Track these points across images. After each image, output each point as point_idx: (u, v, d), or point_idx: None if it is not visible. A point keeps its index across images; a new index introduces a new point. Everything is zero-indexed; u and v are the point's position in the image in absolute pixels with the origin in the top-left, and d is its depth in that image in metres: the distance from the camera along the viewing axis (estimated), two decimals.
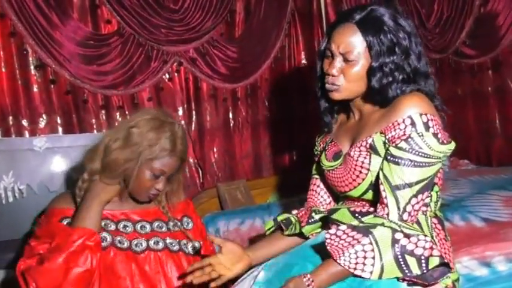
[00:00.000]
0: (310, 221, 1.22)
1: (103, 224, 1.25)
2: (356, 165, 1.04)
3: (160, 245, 1.26)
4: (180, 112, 2.61)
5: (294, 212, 1.28)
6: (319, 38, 3.08)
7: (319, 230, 1.23)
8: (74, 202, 1.28)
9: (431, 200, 1.06)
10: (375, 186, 1.03)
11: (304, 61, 3.04)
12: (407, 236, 0.95)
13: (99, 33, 2.33)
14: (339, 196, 1.19)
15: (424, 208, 1.02)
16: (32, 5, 2.10)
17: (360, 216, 1.05)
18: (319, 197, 1.27)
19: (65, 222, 1.25)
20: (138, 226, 1.28)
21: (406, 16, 1.07)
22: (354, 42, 1.01)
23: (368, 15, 1.02)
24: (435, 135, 0.97)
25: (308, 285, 0.95)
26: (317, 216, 1.22)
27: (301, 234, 1.22)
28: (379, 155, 1.01)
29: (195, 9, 2.55)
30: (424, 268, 0.92)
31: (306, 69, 3.02)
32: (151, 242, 1.26)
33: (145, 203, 1.32)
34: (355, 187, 1.07)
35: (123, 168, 1.20)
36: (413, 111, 0.97)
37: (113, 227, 1.26)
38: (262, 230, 2.16)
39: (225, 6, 2.66)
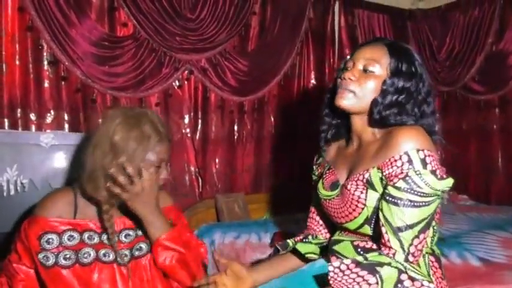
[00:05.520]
0: (304, 240, 1.23)
1: (86, 236, 1.17)
2: (352, 199, 1.04)
3: (144, 250, 1.20)
4: (186, 120, 2.62)
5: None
6: (330, 59, 3.11)
7: (316, 256, 1.22)
8: (75, 206, 1.18)
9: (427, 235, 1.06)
10: (371, 221, 1.03)
11: (313, 81, 3.06)
12: (411, 279, 0.94)
13: (115, 35, 2.36)
14: (335, 225, 1.19)
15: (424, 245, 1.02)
16: (52, 1, 2.13)
17: (363, 252, 1.04)
18: (319, 225, 1.26)
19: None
20: (123, 235, 1.21)
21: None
22: (378, 56, 1.04)
23: (397, 43, 1.09)
24: (433, 172, 0.96)
25: None
26: (314, 241, 1.22)
27: (296, 252, 1.22)
28: (376, 191, 1.01)
29: (210, 20, 2.58)
30: None
31: (315, 88, 3.04)
32: (134, 251, 1.20)
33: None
34: (351, 220, 1.07)
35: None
36: (410, 147, 0.96)
37: (96, 239, 1.18)
38: (257, 245, 2.16)
39: (240, 19, 2.69)
